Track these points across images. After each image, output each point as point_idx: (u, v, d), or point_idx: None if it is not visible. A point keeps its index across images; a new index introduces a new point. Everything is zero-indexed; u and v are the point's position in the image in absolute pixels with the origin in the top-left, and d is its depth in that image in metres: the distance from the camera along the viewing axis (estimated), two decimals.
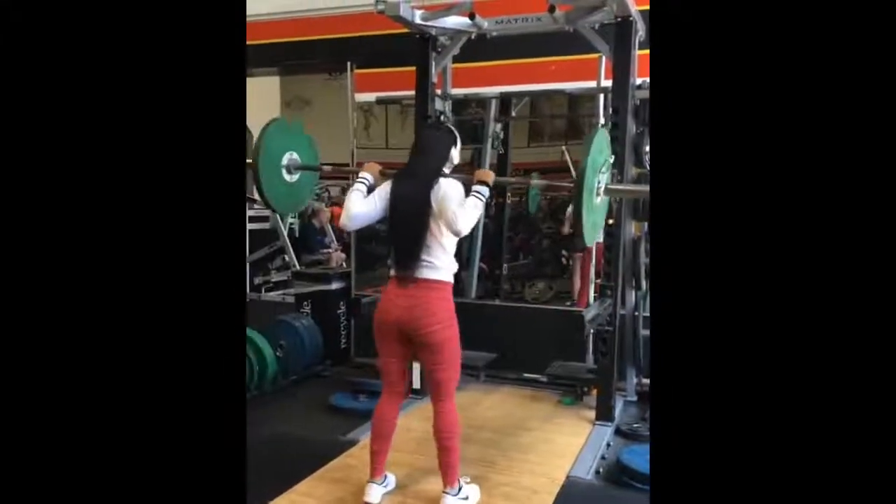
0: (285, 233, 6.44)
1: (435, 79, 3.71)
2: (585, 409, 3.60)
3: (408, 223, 2.39)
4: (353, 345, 4.87)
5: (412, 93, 3.72)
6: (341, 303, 4.86)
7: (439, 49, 3.67)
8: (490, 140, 4.76)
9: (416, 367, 3.71)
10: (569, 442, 3.13)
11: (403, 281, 2.40)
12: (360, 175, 2.56)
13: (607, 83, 3.47)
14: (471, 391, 3.90)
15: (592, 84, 3.85)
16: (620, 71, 3.27)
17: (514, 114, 4.86)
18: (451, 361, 2.45)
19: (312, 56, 4.89)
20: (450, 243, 2.42)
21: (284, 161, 2.96)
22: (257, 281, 6.81)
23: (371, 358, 3.59)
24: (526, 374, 4.15)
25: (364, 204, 2.46)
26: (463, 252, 4.94)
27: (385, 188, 2.48)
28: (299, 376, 4.31)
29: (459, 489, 2.42)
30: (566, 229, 5.74)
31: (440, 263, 2.40)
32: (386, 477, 2.57)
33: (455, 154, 2.56)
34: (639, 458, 2.78)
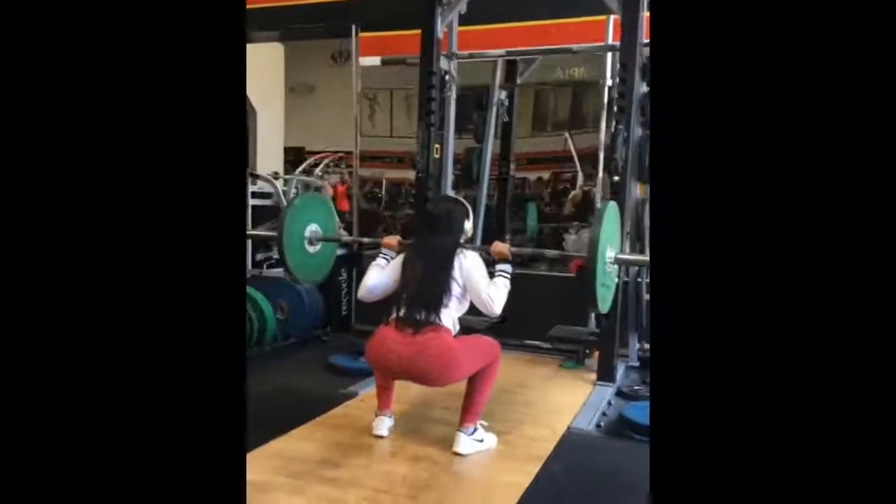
0: None
1: (440, 35, 3.66)
2: (587, 373, 3.58)
3: (426, 282, 2.39)
4: (353, 312, 4.84)
5: (417, 56, 3.68)
6: (342, 269, 4.82)
7: (445, 3, 3.62)
8: (495, 107, 4.71)
9: None
10: (570, 400, 3.11)
11: (408, 325, 2.35)
12: (381, 251, 2.67)
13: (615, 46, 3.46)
14: None
15: (600, 45, 3.80)
16: (629, 28, 3.24)
17: (519, 81, 4.81)
18: (475, 359, 2.41)
19: (316, 20, 4.84)
20: (458, 309, 2.45)
21: (307, 234, 3.06)
22: (259, 257, 6.79)
23: (373, 326, 3.61)
24: (528, 341, 4.13)
25: (380, 276, 2.55)
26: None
27: (401, 259, 2.52)
28: (300, 339, 4.28)
29: (475, 430, 2.42)
30: (568, 209, 5.75)
31: (448, 320, 2.40)
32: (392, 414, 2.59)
33: (469, 227, 2.61)
34: (641, 412, 2.76)
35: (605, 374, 3.39)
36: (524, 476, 2.21)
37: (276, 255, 6.94)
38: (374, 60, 4.60)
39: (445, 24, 3.71)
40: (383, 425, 2.53)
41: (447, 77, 3.84)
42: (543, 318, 3.99)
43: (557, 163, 10.73)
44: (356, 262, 4.58)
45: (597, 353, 3.54)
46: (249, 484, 2.00)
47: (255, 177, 5.90)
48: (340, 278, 4.82)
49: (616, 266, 2.61)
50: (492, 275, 2.48)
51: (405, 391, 3.17)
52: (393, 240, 2.70)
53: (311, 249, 3.08)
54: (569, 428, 2.71)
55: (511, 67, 4.79)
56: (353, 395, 3.06)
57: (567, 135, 10.21)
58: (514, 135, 5.11)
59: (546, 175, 10.92)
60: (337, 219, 3.26)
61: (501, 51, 4.04)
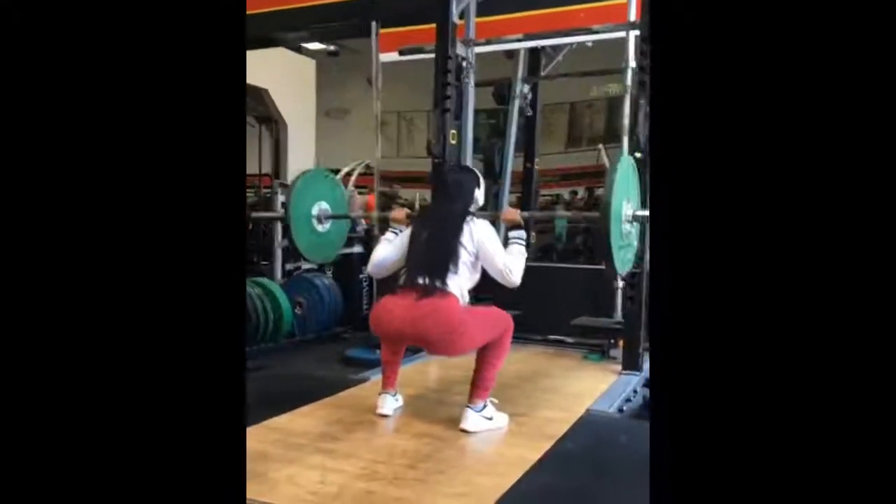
0: None
1: (455, 19, 3.60)
2: (611, 364, 3.40)
3: (432, 248, 2.28)
4: None
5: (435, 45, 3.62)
6: (363, 268, 4.76)
7: None
8: (517, 100, 4.62)
9: None
10: (593, 387, 2.94)
11: (414, 291, 2.22)
12: (390, 225, 2.57)
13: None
14: None
15: (622, 24, 3.69)
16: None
17: (542, 73, 4.70)
18: (485, 329, 2.28)
19: (337, 18, 4.86)
20: (468, 278, 2.32)
21: (315, 212, 3.00)
22: (289, 267, 6.81)
23: None
24: (552, 336, 3.97)
25: (388, 249, 2.46)
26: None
27: (409, 231, 2.44)
28: (318, 335, 4.22)
29: (484, 407, 2.28)
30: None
31: (456, 288, 2.26)
32: (397, 391, 2.48)
33: (479, 195, 2.51)
34: None
35: (631, 364, 3.21)
36: (534, 452, 2.06)
37: (304, 265, 7.02)
38: (394, 56, 4.57)
39: (461, 9, 3.65)
40: (386, 404, 2.41)
41: (465, 64, 3.77)
42: (568, 312, 3.84)
43: (592, 177, 10.61)
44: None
45: (622, 343, 3.37)
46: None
47: (284, 186, 5.92)
48: (361, 276, 4.76)
49: (636, 225, 2.44)
50: (506, 245, 2.36)
51: (421, 376, 3.08)
52: (401, 212, 2.60)
53: (321, 228, 3.01)
54: (588, 410, 2.55)
55: (534, 59, 4.69)
56: (364, 381, 2.95)
57: (601, 146, 10.10)
58: (538, 133, 5.00)
59: (581, 191, 10.81)
60: (345, 195, 3.17)
61: (519, 35, 3.95)
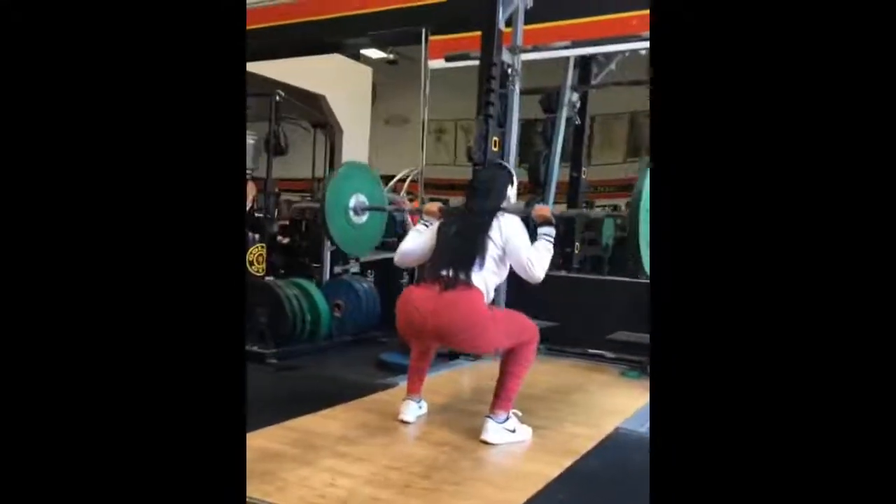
0: None
1: (501, 26, 3.57)
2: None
3: (461, 242, 2.26)
4: None
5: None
6: (404, 272, 4.75)
7: None
8: (565, 109, 4.55)
9: None
10: (626, 404, 2.84)
11: (438, 283, 2.20)
12: (422, 217, 2.56)
13: None
14: None
15: None
16: None
17: (594, 81, 4.62)
18: (508, 334, 2.26)
19: (389, 25, 4.90)
20: (495, 274, 2.29)
21: (351, 203, 2.98)
22: (337, 269, 6.88)
23: None
24: (591, 350, 3.87)
25: (418, 240, 2.44)
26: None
27: (438, 223, 2.42)
28: (355, 337, 4.23)
29: (507, 419, 2.23)
30: None
31: (481, 282, 2.23)
32: (421, 398, 2.47)
33: (512, 193, 2.49)
34: None
35: None
36: (554, 468, 2.00)
37: (353, 268, 7.09)
38: (443, 63, 4.57)
39: (507, 15, 3.62)
40: (410, 410, 2.39)
41: (510, 71, 3.73)
42: (609, 325, 3.74)
43: None
44: None
45: None
46: (261, 451, 1.95)
47: None
48: (402, 281, 4.75)
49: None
50: (535, 241, 2.31)
51: (451, 385, 3.05)
52: (434, 206, 2.58)
53: (357, 220, 2.98)
54: (616, 428, 2.46)
55: (585, 67, 4.61)
56: (392, 386, 2.94)
57: None
58: (586, 138, 4.91)
59: None
60: (384, 189, 3.14)
61: (566, 42, 3.89)
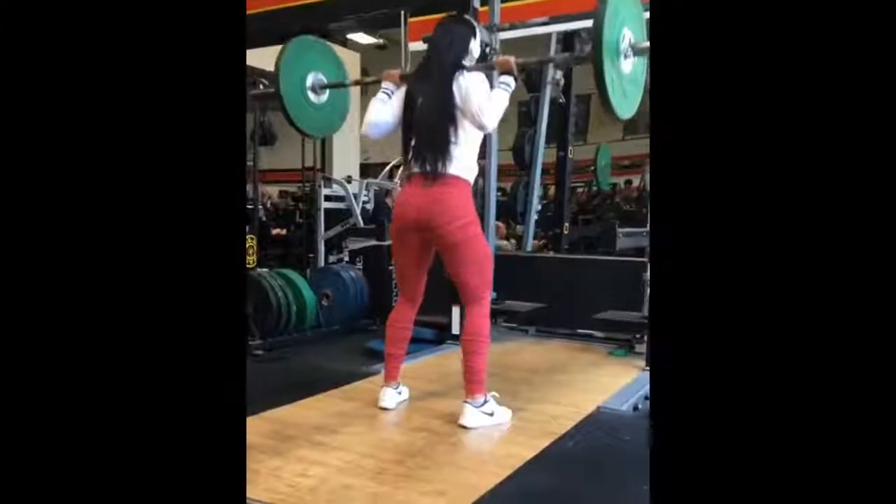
0: (358, 210, 6.43)
1: (477, 4, 3.51)
2: (637, 360, 3.27)
3: (429, 119, 2.22)
4: None
5: None
6: (392, 260, 4.73)
7: None
8: (548, 87, 4.49)
9: (456, 310, 3.57)
10: (610, 382, 2.82)
11: (422, 178, 2.22)
12: (382, 85, 2.42)
13: None
14: (517, 341, 3.70)
15: None
16: None
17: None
18: (477, 264, 2.26)
19: (370, 8, 4.84)
20: (473, 141, 2.25)
21: (309, 82, 2.84)
22: (331, 259, 6.85)
23: (425, 314, 3.48)
24: (580, 330, 3.85)
25: (383, 111, 2.33)
26: (518, 206, 4.71)
27: (402, 91, 2.34)
28: (343, 327, 4.22)
29: (484, 402, 2.21)
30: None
31: (462, 162, 2.22)
32: (399, 384, 2.45)
33: (475, 47, 2.37)
34: None
35: None
36: (529, 450, 1.98)
37: (346, 258, 7.06)
38: (422, 45, 4.50)
39: None
40: (388, 397, 2.38)
41: (488, 50, 3.67)
42: (598, 305, 3.71)
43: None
44: None
45: (647, 338, 3.23)
46: None
47: (329, 180, 5.94)
48: (391, 268, 4.73)
49: (640, 61, 2.12)
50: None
51: (436, 369, 3.03)
52: (394, 72, 2.43)
53: (317, 100, 2.83)
54: (598, 408, 2.44)
55: (567, 44, 4.54)
56: (375, 373, 2.91)
57: None
58: (571, 121, 4.85)
59: (636, 180, 10.48)
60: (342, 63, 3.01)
61: (545, 18, 3.82)
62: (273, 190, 9.49)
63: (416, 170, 2.24)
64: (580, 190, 8.20)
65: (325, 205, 5.84)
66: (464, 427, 2.16)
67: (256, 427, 2.12)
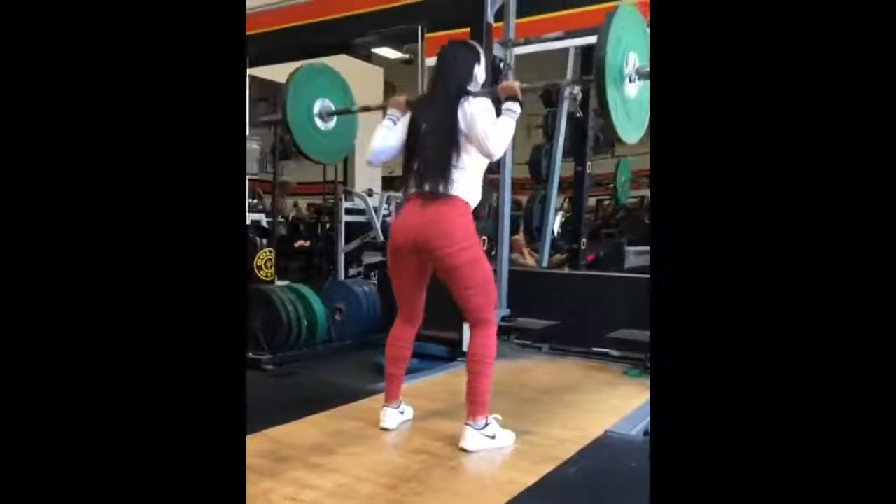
0: (379, 223, 6.43)
1: (490, 19, 3.49)
2: None
3: (431, 143, 2.19)
4: None
5: None
6: None
7: None
8: (566, 102, 4.44)
9: (466, 326, 3.52)
10: (619, 405, 2.74)
11: (420, 198, 2.18)
12: (388, 112, 2.41)
13: None
14: (530, 359, 3.63)
15: None
16: None
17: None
18: (479, 286, 2.20)
19: (389, 24, 4.85)
20: (477, 167, 2.22)
21: (316, 109, 2.84)
22: (352, 272, 6.84)
23: (436, 330, 3.45)
24: (595, 349, 3.77)
25: (388, 137, 2.32)
26: (534, 221, 4.65)
27: (407, 118, 2.32)
28: (356, 341, 4.19)
29: (486, 425, 2.15)
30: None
31: (462, 185, 2.18)
32: (401, 404, 2.41)
33: (480, 72, 2.34)
34: None
35: None
36: (530, 476, 1.92)
37: (362, 272, 7.05)
38: None
39: (496, 9, 3.53)
40: (389, 417, 2.34)
41: (502, 65, 3.65)
42: (614, 323, 3.63)
43: None
44: None
45: None
46: None
47: (349, 193, 5.95)
48: None
49: (643, 84, 2.07)
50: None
51: (442, 388, 2.97)
52: (401, 99, 2.41)
53: (324, 126, 2.83)
54: (606, 432, 2.37)
55: (586, 58, 4.49)
56: (382, 391, 2.86)
57: None
58: (590, 136, 4.78)
59: None
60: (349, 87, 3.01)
61: (559, 33, 3.78)
62: (302, 203, 9.56)
63: (413, 190, 2.21)
64: (606, 202, 8.10)
65: (345, 218, 5.85)
66: (464, 450, 2.11)
67: (254, 445, 2.09)
